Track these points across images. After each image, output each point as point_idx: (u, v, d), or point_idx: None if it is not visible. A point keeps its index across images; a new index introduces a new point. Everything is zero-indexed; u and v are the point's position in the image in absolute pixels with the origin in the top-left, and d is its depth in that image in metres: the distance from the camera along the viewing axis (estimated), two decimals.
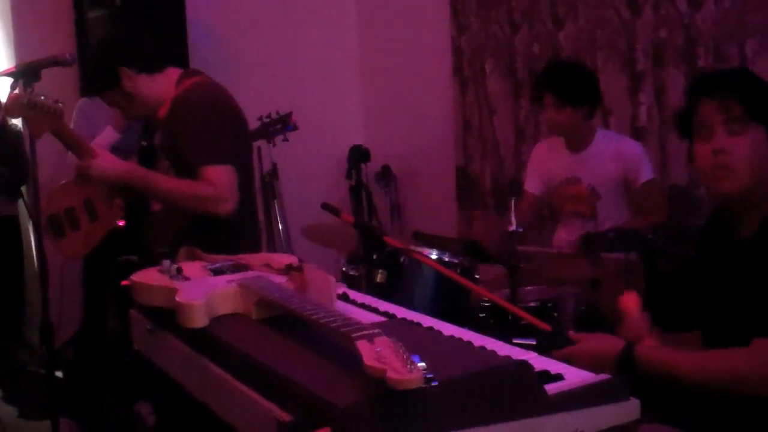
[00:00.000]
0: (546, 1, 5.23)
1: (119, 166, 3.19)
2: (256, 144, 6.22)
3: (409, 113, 6.50)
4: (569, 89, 4.19)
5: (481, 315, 3.60)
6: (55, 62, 3.30)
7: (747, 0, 4.10)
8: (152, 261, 2.30)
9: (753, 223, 2.27)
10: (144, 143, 3.62)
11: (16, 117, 3.07)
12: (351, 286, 3.64)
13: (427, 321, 2.04)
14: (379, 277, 3.51)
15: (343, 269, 3.79)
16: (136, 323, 2.27)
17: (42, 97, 2.96)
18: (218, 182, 3.12)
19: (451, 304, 3.50)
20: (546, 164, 4.51)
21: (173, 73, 3.37)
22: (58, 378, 4.49)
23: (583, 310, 3.69)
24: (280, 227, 6.37)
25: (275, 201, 6.37)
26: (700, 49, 4.34)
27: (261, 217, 6.26)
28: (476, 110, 5.88)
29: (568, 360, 1.83)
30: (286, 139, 5.37)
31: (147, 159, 3.32)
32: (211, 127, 3.19)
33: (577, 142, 4.32)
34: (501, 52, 5.62)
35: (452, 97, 6.07)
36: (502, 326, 3.43)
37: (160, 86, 3.32)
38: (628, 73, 4.73)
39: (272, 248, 6.34)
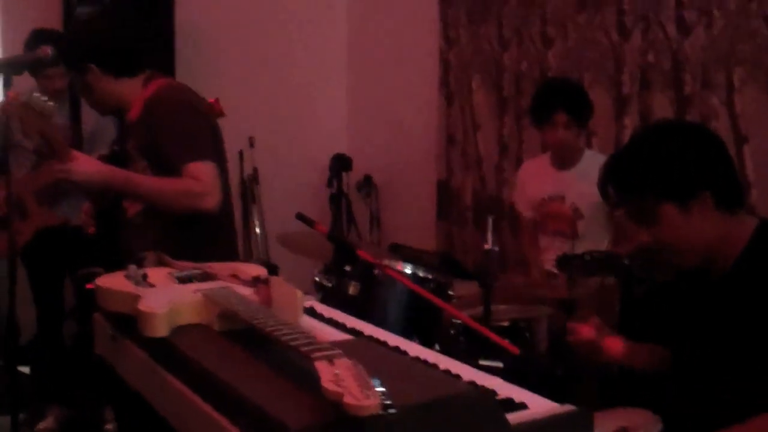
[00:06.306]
0: (536, 20, 5.22)
1: (102, 168, 3.14)
2: (237, 148, 6.21)
3: (393, 124, 6.47)
4: (582, 108, 4.19)
5: (452, 332, 3.56)
6: (36, 59, 3.26)
7: (737, 28, 4.08)
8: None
9: (727, 263, 2.27)
10: (116, 148, 3.59)
11: (12, 116, 3.04)
12: (324, 297, 3.62)
13: (393, 340, 2.00)
14: (352, 290, 3.47)
15: (317, 279, 3.74)
16: (99, 328, 2.22)
17: (35, 95, 2.93)
18: (202, 177, 3.10)
19: (424, 318, 3.47)
20: (531, 183, 4.50)
21: (143, 76, 3.35)
22: (20, 373, 4.45)
23: (557, 331, 3.66)
24: (258, 232, 6.34)
25: (254, 205, 6.34)
26: (687, 75, 4.33)
27: (239, 221, 6.23)
28: (461, 124, 5.86)
29: None
30: None
31: (119, 163, 3.28)
32: (191, 124, 3.18)
33: (567, 160, 4.31)
34: (489, 68, 5.61)
35: (437, 110, 6.06)
36: (473, 344, 3.39)
37: (125, 90, 3.29)
38: (614, 96, 4.72)
39: (249, 253, 6.31)
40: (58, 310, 4.73)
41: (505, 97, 5.49)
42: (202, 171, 3.12)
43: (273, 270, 5.64)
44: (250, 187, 6.36)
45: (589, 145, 4.73)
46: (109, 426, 4.02)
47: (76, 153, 3.14)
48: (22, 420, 4.41)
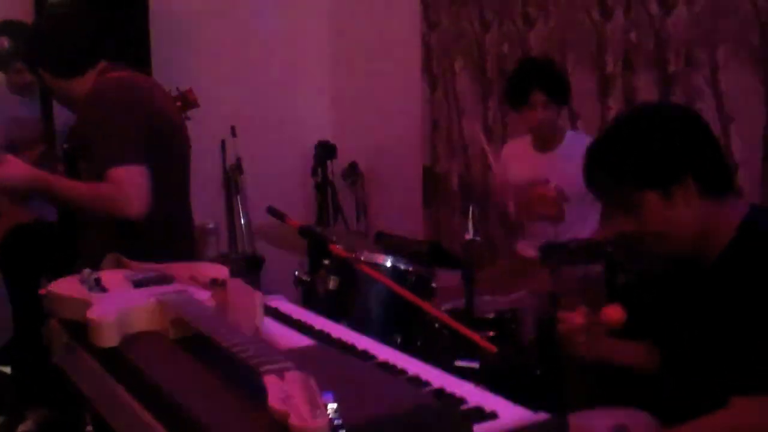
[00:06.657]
0: (517, 0, 5.13)
1: (26, 172, 2.99)
2: (219, 137, 6.11)
3: (377, 110, 6.39)
4: (559, 86, 4.13)
5: (436, 325, 3.47)
6: None
7: (719, 5, 3.99)
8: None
9: (715, 252, 2.18)
10: (65, 147, 3.49)
11: None
12: (306, 292, 3.53)
13: (362, 343, 1.91)
14: (332, 284, 3.37)
15: (296, 273, 3.64)
16: (56, 335, 2.13)
17: None
18: (122, 183, 2.92)
19: (407, 311, 3.37)
20: (513, 164, 4.42)
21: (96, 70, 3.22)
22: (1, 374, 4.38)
23: (544, 322, 3.57)
24: (242, 222, 6.25)
25: (238, 196, 6.25)
26: (671, 54, 4.24)
27: (223, 212, 6.15)
28: (445, 109, 5.78)
29: None
30: (187, 118, 4.45)
31: (71, 163, 3.18)
32: (118, 126, 2.99)
33: (549, 141, 4.23)
34: (471, 50, 5.52)
35: (421, 95, 5.97)
36: (456, 337, 3.30)
37: (78, 88, 3.17)
38: (597, 76, 4.64)
39: (234, 246, 6.22)
40: (36, 309, 4.63)
41: (489, 79, 5.41)
42: (124, 176, 2.94)
43: (258, 263, 5.56)
44: (233, 177, 6.26)
45: (574, 127, 4.66)
46: (90, 427, 3.93)
47: (6, 157, 3.02)
48: (2, 422, 4.33)
